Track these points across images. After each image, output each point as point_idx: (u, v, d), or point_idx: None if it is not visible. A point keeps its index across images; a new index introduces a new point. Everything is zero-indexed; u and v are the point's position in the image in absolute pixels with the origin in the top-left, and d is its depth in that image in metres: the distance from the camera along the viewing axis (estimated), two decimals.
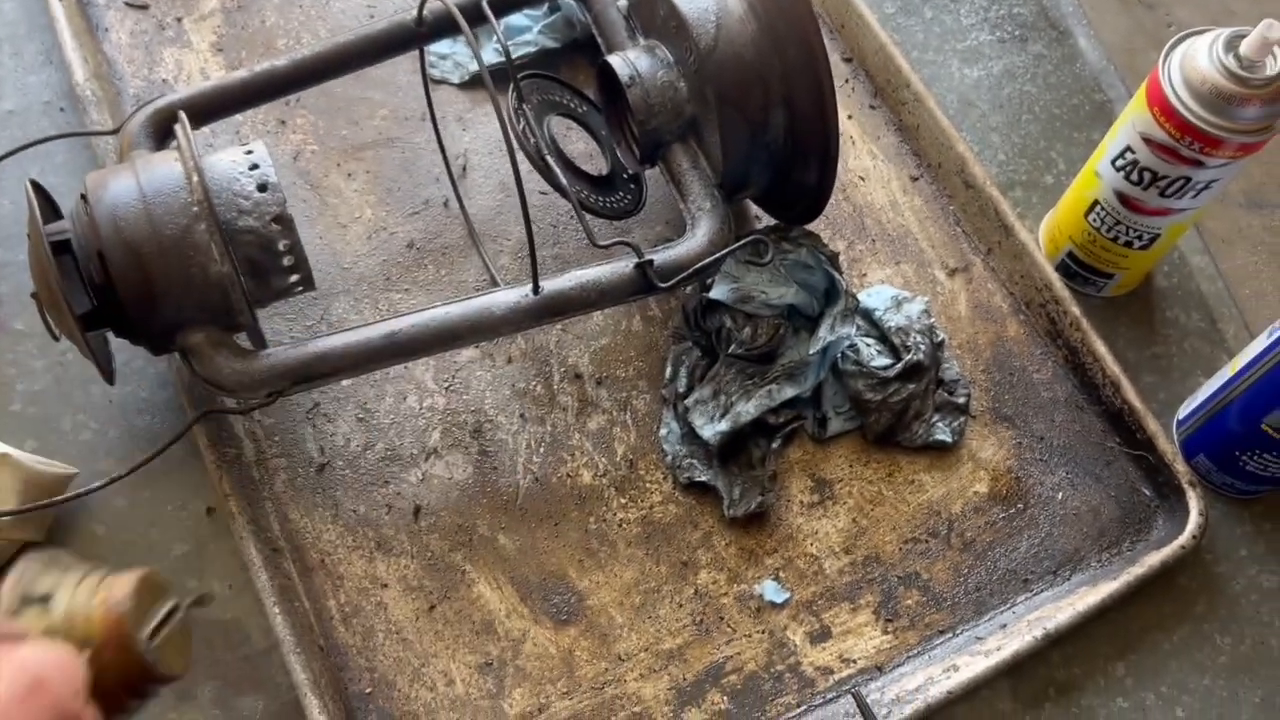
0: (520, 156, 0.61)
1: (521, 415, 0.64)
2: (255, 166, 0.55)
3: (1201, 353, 0.69)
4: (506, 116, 0.61)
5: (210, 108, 0.62)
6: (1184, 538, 0.60)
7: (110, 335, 0.57)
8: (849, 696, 0.57)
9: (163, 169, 0.54)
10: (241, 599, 0.58)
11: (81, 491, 0.55)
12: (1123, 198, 0.63)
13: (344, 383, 0.63)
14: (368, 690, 0.57)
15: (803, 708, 0.58)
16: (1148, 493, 0.64)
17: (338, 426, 0.62)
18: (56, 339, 0.55)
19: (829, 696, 0.58)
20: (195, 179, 0.53)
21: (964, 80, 0.78)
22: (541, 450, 0.63)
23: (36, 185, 0.54)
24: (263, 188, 0.55)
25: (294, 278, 0.56)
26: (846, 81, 0.76)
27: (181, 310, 0.53)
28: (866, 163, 0.73)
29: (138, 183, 0.53)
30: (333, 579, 0.59)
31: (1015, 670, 0.59)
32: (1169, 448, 0.63)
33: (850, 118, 0.75)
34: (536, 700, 0.57)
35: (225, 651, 0.57)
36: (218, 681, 0.56)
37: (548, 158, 0.60)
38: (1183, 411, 0.66)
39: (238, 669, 0.57)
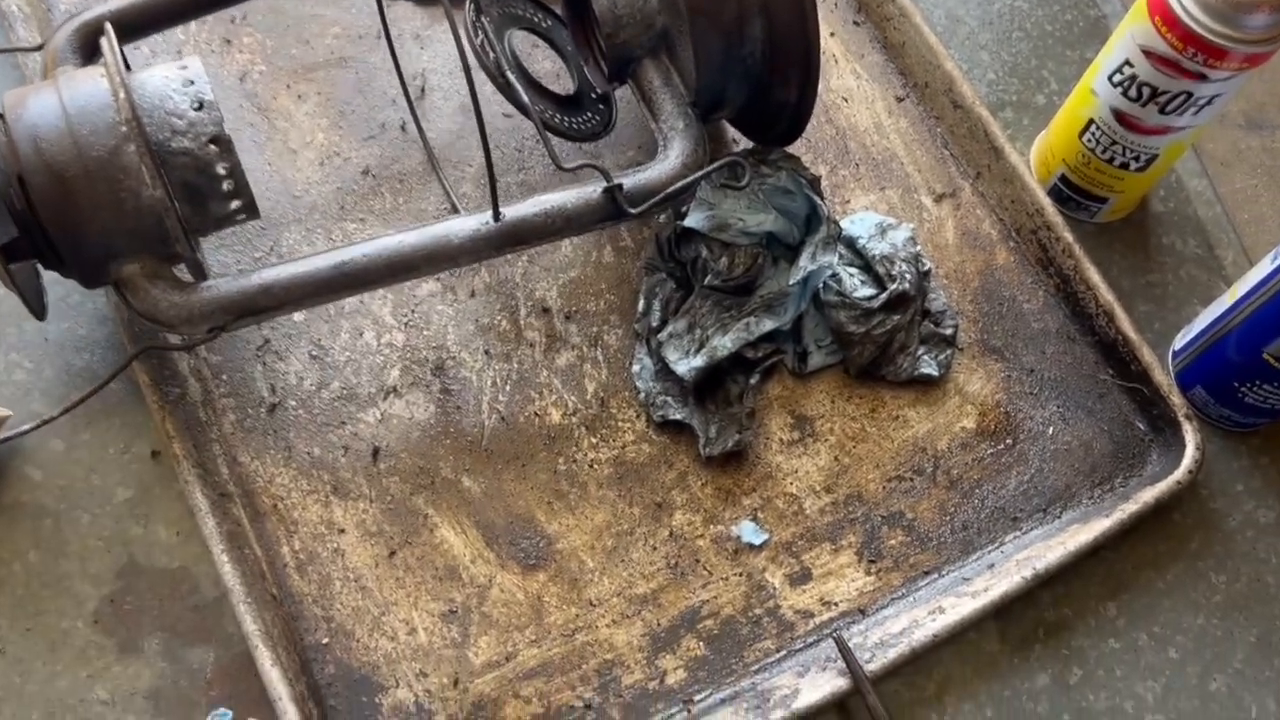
0: (479, 74, 0.57)
1: (486, 352, 0.60)
2: (191, 83, 0.51)
3: (1199, 280, 0.66)
4: (463, 30, 0.57)
5: (143, 21, 0.58)
6: (1179, 473, 0.58)
7: (40, 268, 0.54)
8: (830, 640, 0.55)
9: (87, 85, 0.49)
10: (189, 546, 0.55)
11: (12, 434, 0.52)
12: (1119, 116, 0.60)
13: (296, 317, 0.60)
14: (324, 640, 0.54)
15: (782, 652, 0.55)
16: (1142, 426, 0.61)
17: (289, 364, 0.59)
18: None
19: (809, 641, 0.55)
20: (122, 95, 0.48)
21: None
22: (507, 388, 0.60)
23: None
24: (199, 106, 0.50)
25: (235, 204, 0.52)
26: None
27: (112, 239, 0.49)
28: (850, 82, 0.69)
29: (60, 100, 0.49)
30: (286, 525, 0.56)
31: (1003, 612, 0.56)
32: (1164, 380, 0.60)
33: (833, 34, 0.70)
34: (504, 648, 0.54)
35: (173, 601, 0.54)
36: (165, 633, 0.53)
37: (509, 75, 0.56)
38: (1179, 342, 0.63)
39: (186, 619, 0.54)
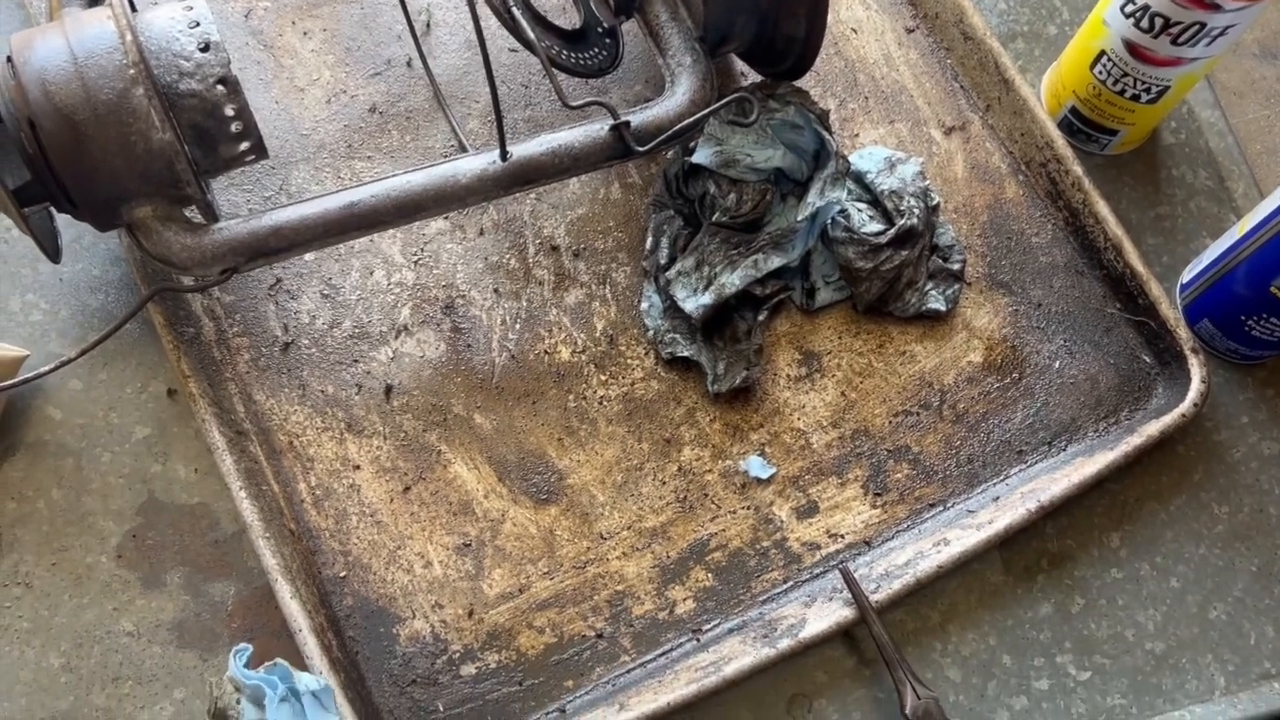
0: (484, 10, 0.57)
1: (495, 290, 0.61)
2: (196, 24, 0.51)
3: (1208, 213, 0.66)
4: None
5: None
6: (1185, 405, 0.58)
7: (54, 211, 0.54)
8: (836, 572, 0.56)
9: (94, 28, 0.49)
10: (207, 482, 0.56)
11: (31, 375, 0.53)
12: (1131, 47, 0.59)
13: (306, 257, 0.60)
14: (342, 574, 0.55)
15: (789, 583, 0.56)
16: (1148, 360, 0.62)
17: (301, 303, 0.60)
18: None
19: (816, 572, 0.57)
20: (129, 38, 0.48)
21: None
22: (517, 326, 0.60)
23: None
24: (205, 47, 0.50)
25: (244, 145, 0.52)
26: None
27: (123, 182, 0.49)
28: (859, 13, 0.69)
29: (67, 43, 0.49)
30: (302, 461, 0.57)
31: (1008, 543, 0.57)
32: (1171, 313, 0.60)
33: None
34: (517, 580, 0.56)
35: (193, 537, 0.55)
36: (187, 567, 0.55)
37: (514, 10, 0.56)
38: (1187, 275, 0.63)
39: (207, 554, 0.55)
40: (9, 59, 0.49)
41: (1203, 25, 0.56)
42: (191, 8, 0.51)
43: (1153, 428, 0.58)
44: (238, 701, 0.47)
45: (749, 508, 0.58)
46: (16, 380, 0.53)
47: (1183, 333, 0.60)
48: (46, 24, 0.51)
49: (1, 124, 0.49)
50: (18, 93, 0.48)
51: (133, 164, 0.49)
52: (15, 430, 0.56)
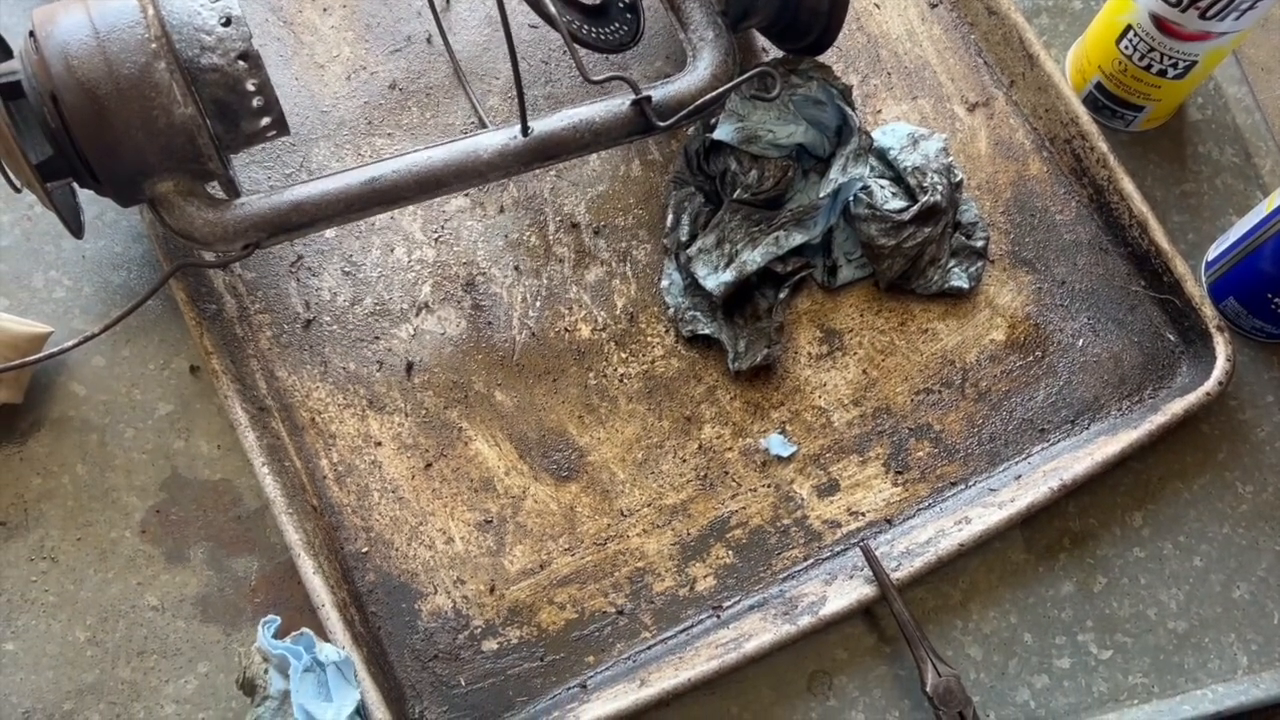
0: None
1: (516, 267, 0.61)
2: None
3: (1235, 190, 0.65)
4: None
5: None
6: (1209, 384, 0.58)
7: (76, 186, 0.54)
8: (857, 550, 0.56)
9: (116, 2, 0.49)
10: (230, 459, 0.56)
11: (55, 351, 0.53)
12: (1158, 21, 0.58)
13: (327, 234, 0.60)
14: (364, 549, 0.55)
15: (809, 561, 0.56)
16: (1172, 338, 0.61)
17: (323, 280, 0.60)
18: (18, 190, 0.52)
19: (837, 550, 0.57)
20: (151, 12, 0.48)
21: None
22: (538, 304, 0.60)
23: None
24: (226, 22, 0.50)
25: (265, 120, 0.52)
26: None
27: (145, 157, 0.49)
28: None
29: (90, 18, 0.49)
30: (324, 438, 0.57)
31: (1030, 521, 0.57)
32: (1197, 291, 0.59)
33: None
34: (538, 556, 0.56)
35: (216, 513, 0.56)
36: (210, 542, 0.55)
37: None
38: (1212, 252, 0.63)
39: (230, 530, 0.56)
40: (31, 33, 0.49)
41: None
42: None
43: (1177, 406, 0.58)
44: (265, 672, 0.47)
45: (769, 485, 0.57)
46: (40, 356, 0.54)
47: (1208, 311, 0.59)
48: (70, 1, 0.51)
49: (25, 98, 0.49)
50: (40, 67, 0.48)
51: (155, 138, 0.49)
52: (40, 406, 0.56)
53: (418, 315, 0.59)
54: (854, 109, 0.60)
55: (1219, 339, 0.59)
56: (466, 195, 0.62)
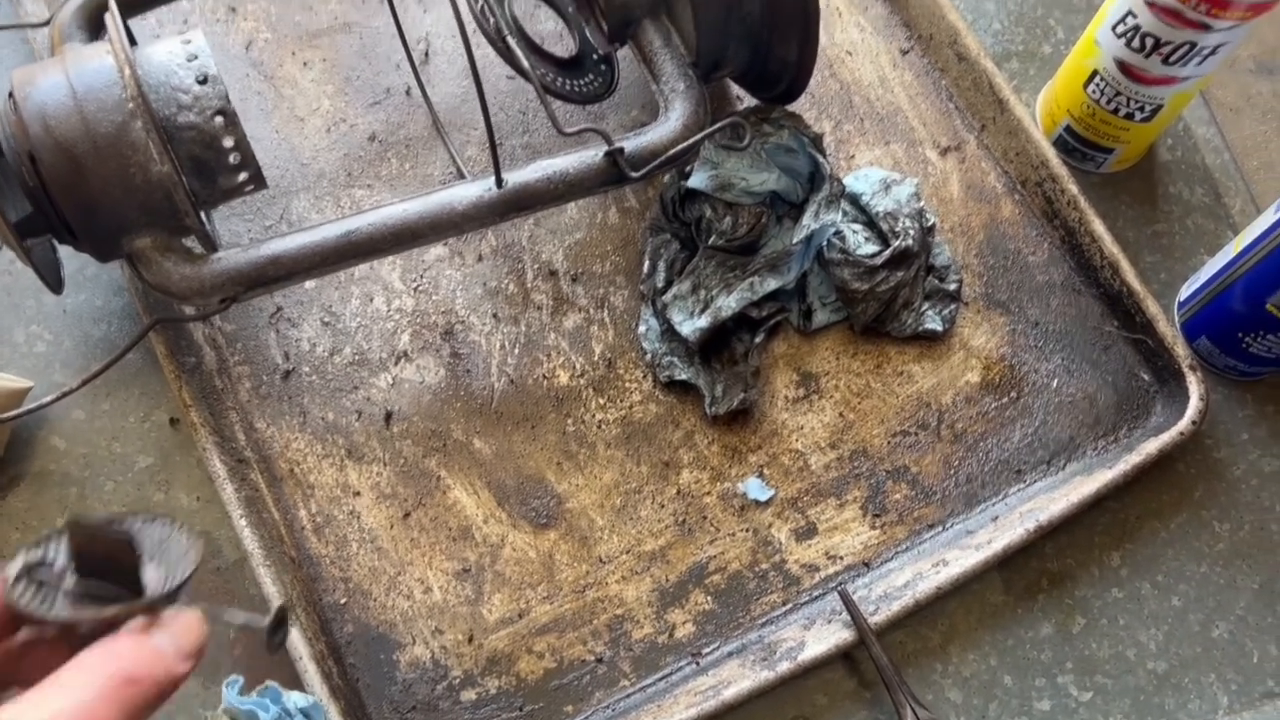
0: (481, 39, 0.58)
1: (494, 315, 0.61)
2: (194, 58, 0.51)
3: (1205, 229, 0.66)
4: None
5: None
6: (1184, 423, 0.58)
7: (56, 242, 0.55)
8: (835, 594, 0.56)
9: (94, 63, 0.50)
10: (210, 510, 0.57)
11: (35, 406, 0.53)
12: (1123, 66, 0.59)
13: (307, 285, 0.61)
14: (343, 601, 0.55)
15: (788, 605, 0.56)
16: (1146, 377, 0.62)
17: (302, 331, 0.60)
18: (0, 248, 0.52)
19: (815, 594, 0.57)
20: (128, 73, 0.49)
21: None
22: (516, 351, 0.60)
23: None
24: (203, 80, 0.51)
25: (242, 176, 0.52)
26: None
27: (123, 214, 0.50)
28: (854, 35, 0.69)
29: (68, 79, 0.49)
30: (303, 489, 0.57)
31: (1007, 563, 0.57)
32: (1169, 330, 0.60)
33: None
34: (517, 605, 0.56)
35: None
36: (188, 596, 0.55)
37: (509, 39, 0.56)
38: (1184, 292, 0.63)
39: (210, 582, 0.56)
40: (10, 94, 0.50)
41: (1193, 45, 0.56)
42: (190, 41, 0.52)
43: (1152, 446, 0.58)
44: None
45: (748, 530, 0.58)
46: (20, 411, 0.54)
47: (1180, 350, 0.60)
48: (48, 59, 0.51)
49: (3, 157, 0.50)
50: (19, 127, 0.49)
51: (132, 196, 0.50)
52: (20, 460, 0.57)
53: (396, 364, 0.60)
54: (825, 156, 0.60)
55: (1192, 378, 0.59)
56: (445, 244, 0.62)
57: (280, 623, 0.37)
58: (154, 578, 0.36)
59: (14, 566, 0.34)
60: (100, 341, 0.59)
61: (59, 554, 0.35)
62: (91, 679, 0.31)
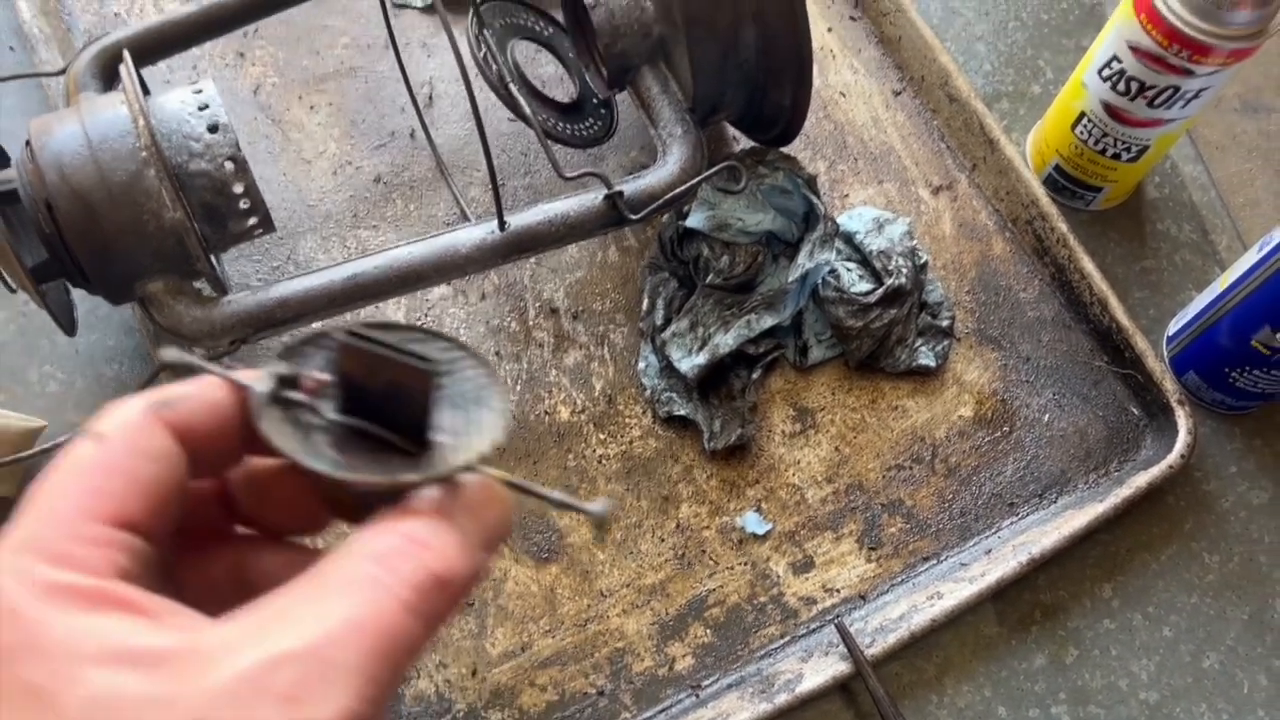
0: (483, 85, 0.59)
1: (497, 353, 0.62)
2: (205, 107, 0.53)
3: (1193, 266, 0.67)
4: (466, 43, 0.59)
5: (161, 44, 0.60)
6: (1172, 457, 0.59)
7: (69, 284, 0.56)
8: (832, 626, 0.57)
9: (108, 113, 0.52)
10: None
11: (50, 446, 0.55)
12: (1110, 109, 0.61)
13: (314, 325, 0.62)
14: None
15: (786, 638, 0.57)
16: (1136, 412, 0.63)
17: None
18: (13, 291, 0.54)
19: (812, 626, 0.58)
20: (142, 123, 0.51)
21: None
22: (518, 388, 0.62)
23: None
24: (214, 129, 0.53)
25: (252, 220, 0.54)
26: None
27: (136, 259, 0.51)
28: (847, 78, 0.71)
29: (83, 128, 0.51)
30: None
31: (1001, 595, 0.58)
32: (1158, 366, 0.61)
33: (830, 30, 0.72)
34: (519, 639, 0.57)
35: None
36: None
37: (510, 87, 0.58)
38: (1173, 327, 0.65)
39: None
40: (28, 143, 0.51)
41: (1177, 89, 0.57)
42: (201, 91, 0.53)
43: (1141, 479, 0.59)
44: None
45: (746, 563, 0.59)
46: (34, 451, 0.55)
47: (1169, 385, 0.61)
48: (63, 109, 0.53)
49: (19, 204, 0.51)
50: (35, 175, 0.50)
51: (145, 241, 0.51)
52: None
53: None
54: (819, 196, 0.62)
55: (1180, 412, 0.60)
56: (449, 284, 0.64)
57: (601, 521, 0.31)
58: (453, 429, 0.27)
59: (260, 380, 0.27)
60: (112, 380, 0.61)
61: (317, 371, 0.27)
62: (390, 580, 0.24)
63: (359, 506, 0.27)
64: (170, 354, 0.29)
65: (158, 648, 0.23)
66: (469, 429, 0.27)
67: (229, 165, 0.52)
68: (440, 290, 0.64)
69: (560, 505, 0.29)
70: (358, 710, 0.22)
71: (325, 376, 0.27)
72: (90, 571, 0.25)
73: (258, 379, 0.27)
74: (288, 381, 0.27)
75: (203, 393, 0.28)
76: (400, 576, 0.24)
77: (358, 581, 0.24)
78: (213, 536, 0.31)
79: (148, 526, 0.26)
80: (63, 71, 0.59)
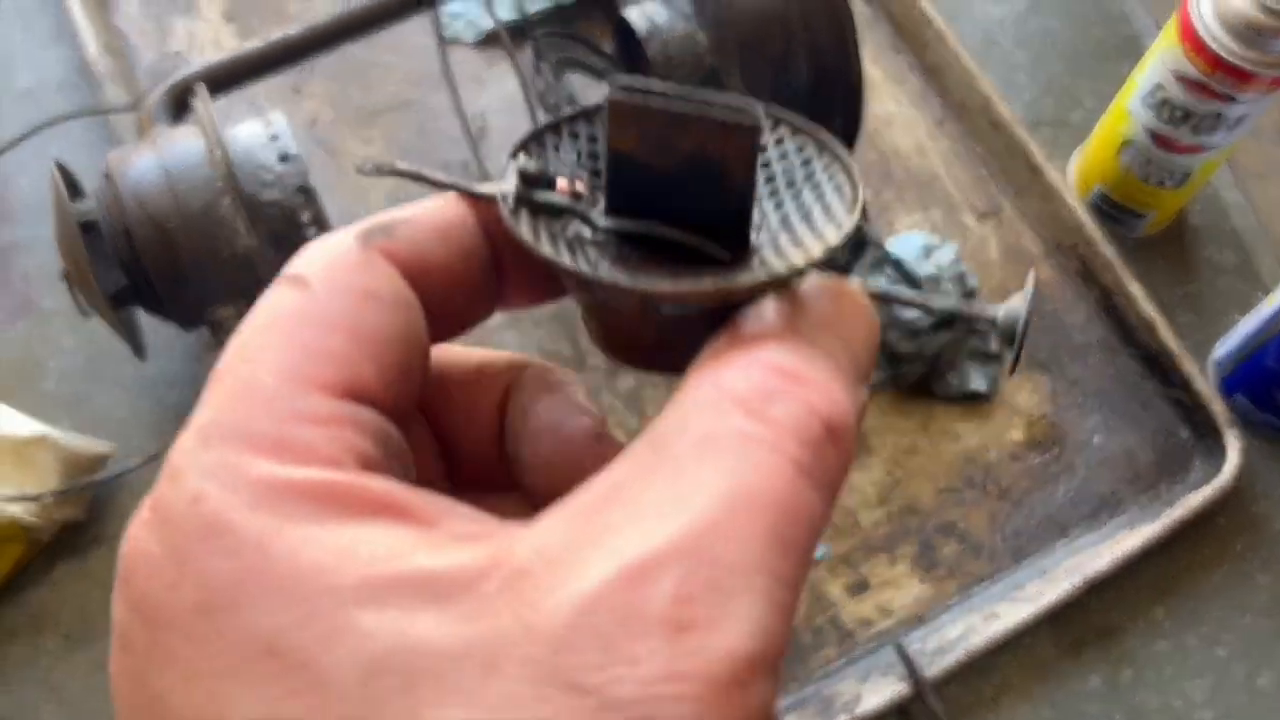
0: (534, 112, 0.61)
1: None
2: (276, 138, 0.54)
3: (1236, 290, 0.68)
4: (526, 76, 0.60)
5: (225, 79, 0.61)
6: (1222, 478, 0.60)
7: (140, 311, 0.57)
8: (890, 648, 0.57)
9: (184, 144, 0.53)
10: None
11: (119, 471, 0.56)
12: (1155, 136, 0.62)
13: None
14: None
15: (843, 660, 0.58)
16: (1185, 434, 0.64)
17: None
18: (86, 316, 0.55)
19: (870, 648, 0.58)
20: (218, 154, 0.52)
21: (987, 17, 0.76)
22: None
23: (61, 167, 0.54)
24: (284, 159, 0.54)
25: None
26: (869, 24, 0.74)
27: (210, 285, 0.53)
28: (891, 107, 0.72)
29: (160, 159, 0.52)
30: None
31: (1055, 616, 0.59)
32: (1205, 388, 0.62)
33: (873, 61, 0.73)
34: None
35: None
36: None
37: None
38: (1219, 351, 0.65)
39: None
40: (106, 174, 0.53)
41: (1220, 115, 0.58)
42: (271, 123, 0.55)
43: (1192, 501, 0.60)
44: None
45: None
46: (104, 476, 0.56)
47: (1217, 407, 0.62)
48: (140, 142, 0.54)
49: (99, 234, 0.53)
50: (114, 205, 0.52)
51: (219, 268, 0.52)
52: (100, 523, 0.59)
53: None
54: (869, 221, 0.63)
55: (1229, 434, 0.61)
56: (506, 312, 0.65)
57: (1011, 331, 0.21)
58: (781, 226, 0.20)
59: (502, 185, 0.20)
60: (177, 406, 0.62)
61: (579, 159, 0.21)
62: (770, 433, 0.16)
63: (665, 348, 0.20)
64: (370, 165, 0.22)
65: (453, 568, 0.16)
66: (803, 225, 0.19)
67: (299, 195, 0.54)
68: (498, 317, 0.64)
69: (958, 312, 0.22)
70: (773, 627, 0.15)
71: (583, 174, 0.20)
72: (326, 463, 0.17)
73: (499, 188, 0.20)
74: (537, 181, 0.20)
75: (431, 213, 0.21)
76: (783, 427, 0.16)
77: (725, 440, 0.16)
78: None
79: (386, 398, 0.19)
80: (133, 107, 0.60)
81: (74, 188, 0.56)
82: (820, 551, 0.60)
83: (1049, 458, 0.63)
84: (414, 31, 0.71)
